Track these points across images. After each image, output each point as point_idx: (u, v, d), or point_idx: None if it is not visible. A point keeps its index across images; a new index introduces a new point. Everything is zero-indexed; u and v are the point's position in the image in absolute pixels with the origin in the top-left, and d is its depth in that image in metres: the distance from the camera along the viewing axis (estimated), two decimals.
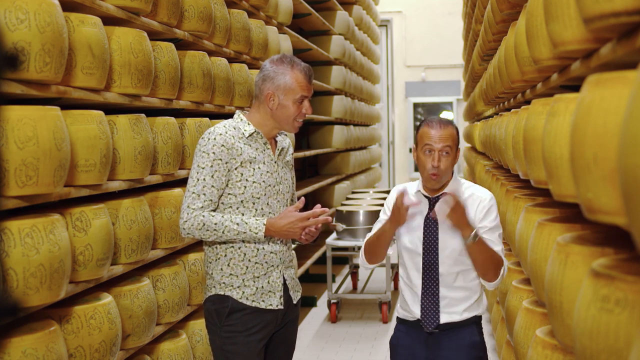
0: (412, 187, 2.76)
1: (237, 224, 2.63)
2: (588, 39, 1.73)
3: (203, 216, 2.63)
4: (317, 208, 2.71)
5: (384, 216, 2.79)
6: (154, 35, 3.59)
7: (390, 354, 2.84)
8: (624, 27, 1.41)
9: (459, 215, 2.50)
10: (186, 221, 2.64)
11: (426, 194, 2.72)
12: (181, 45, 3.96)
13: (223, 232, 2.63)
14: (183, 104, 3.82)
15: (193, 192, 2.65)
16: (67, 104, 2.84)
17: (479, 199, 2.68)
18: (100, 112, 2.83)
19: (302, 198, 2.77)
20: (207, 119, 4.07)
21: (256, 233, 2.63)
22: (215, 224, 2.63)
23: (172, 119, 3.59)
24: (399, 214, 2.56)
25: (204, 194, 2.64)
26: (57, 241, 2.35)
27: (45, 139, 2.28)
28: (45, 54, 2.32)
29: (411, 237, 2.72)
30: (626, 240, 1.72)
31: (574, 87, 2.32)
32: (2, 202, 2.20)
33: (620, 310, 1.24)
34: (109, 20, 3.06)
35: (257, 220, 2.65)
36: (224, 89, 4.31)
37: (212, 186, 2.65)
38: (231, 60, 4.68)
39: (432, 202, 2.70)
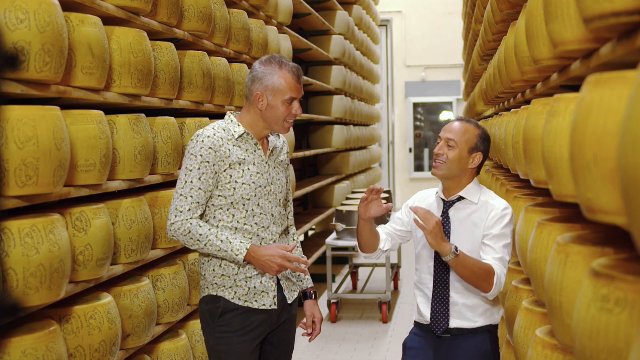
0: (433, 191, 2.82)
1: (222, 241, 2.62)
2: (588, 39, 1.73)
3: (191, 224, 2.62)
4: (304, 259, 2.73)
5: (399, 215, 2.86)
6: (154, 35, 3.59)
7: (402, 356, 2.85)
8: (624, 27, 1.41)
9: (431, 232, 2.51)
10: (173, 224, 2.64)
11: (443, 197, 2.72)
12: (181, 45, 3.96)
13: (205, 245, 2.62)
14: (183, 104, 3.82)
15: (181, 195, 2.64)
16: (67, 104, 2.84)
17: (491, 207, 2.65)
18: (100, 112, 2.83)
19: (295, 243, 2.78)
20: (207, 119, 4.06)
21: (237, 255, 2.62)
22: (201, 234, 2.62)
23: (172, 119, 3.59)
24: (363, 204, 2.67)
25: (191, 197, 2.63)
26: (57, 241, 2.35)
27: (45, 139, 2.28)
28: (45, 54, 2.32)
29: (426, 240, 2.72)
30: (626, 240, 1.72)
31: (574, 87, 2.32)
32: (2, 202, 2.20)
33: (620, 310, 1.24)
34: (109, 20, 3.06)
35: (241, 242, 2.63)
36: (224, 89, 4.31)
37: (200, 189, 2.64)
38: (231, 60, 4.69)
39: (447, 205, 2.70)
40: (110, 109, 3.23)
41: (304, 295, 2.92)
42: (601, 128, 1.28)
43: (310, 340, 2.90)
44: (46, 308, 2.60)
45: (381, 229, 2.85)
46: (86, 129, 2.70)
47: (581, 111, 1.36)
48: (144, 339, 3.17)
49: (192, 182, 2.64)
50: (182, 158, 3.74)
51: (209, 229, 2.63)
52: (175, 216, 2.64)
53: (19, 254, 2.21)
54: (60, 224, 2.43)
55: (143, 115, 3.25)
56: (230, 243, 2.62)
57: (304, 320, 2.93)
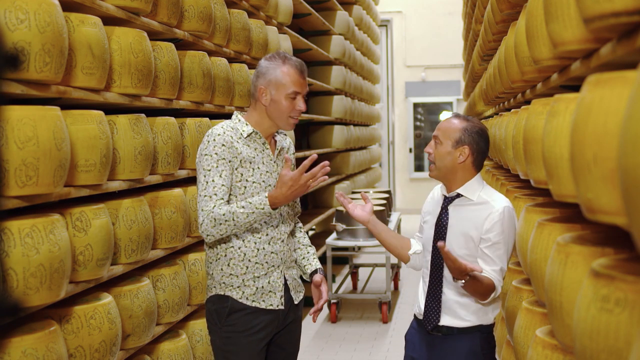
0: (438, 188, 2.84)
1: (243, 207, 2.59)
2: (588, 39, 1.73)
3: (212, 212, 2.60)
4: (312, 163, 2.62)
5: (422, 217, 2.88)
6: (154, 35, 3.59)
7: (404, 347, 2.89)
8: (624, 27, 1.41)
9: (451, 266, 2.52)
10: (202, 223, 2.63)
11: (445, 193, 2.73)
12: (181, 45, 3.96)
13: (234, 220, 2.59)
14: (183, 104, 3.82)
15: (205, 195, 2.62)
16: (67, 104, 2.84)
17: (489, 209, 2.62)
18: (100, 112, 2.83)
19: (314, 155, 2.62)
20: (207, 119, 4.07)
21: (262, 208, 2.59)
22: (224, 214, 2.59)
23: (172, 119, 3.59)
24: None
25: (216, 194, 2.62)
26: (57, 241, 2.35)
27: (45, 139, 2.28)
28: (45, 54, 2.32)
29: (426, 235, 2.76)
30: (626, 240, 1.72)
31: (574, 87, 2.32)
32: (2, 202, 2.20)
33: (620, 310, 1.24)
34: (109, 20, 3.06)
35: (258, 197, 2.60)
36: (224, 89, 4.31)
37: (222, 185, 2.63)
38: (231, 60, 4.69)
39: (446, 201, 2.71)
40: (110, 109, 3.23)
41: (314, 272, 2.87)
42: (601, 128, 1.28)
43: (314, 320, 2.83)
44: (46, 308, 2.60)
45: (413, 239, 2.92)
46: (86, 129, 2.70)
47: (581, 111, 1.36)
48: (144, 339, 3.17)
49: (213, 180, 2.63)
50: (182, 158, 3.75)
51: (228, 206, 2.61)
52: (202, 217, 2.62)
53: (19, 254, 2.21)
54: (60, 224, 2.43)
55: (143, 115, 3.25)
56: (251, 203, 2.60)
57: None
